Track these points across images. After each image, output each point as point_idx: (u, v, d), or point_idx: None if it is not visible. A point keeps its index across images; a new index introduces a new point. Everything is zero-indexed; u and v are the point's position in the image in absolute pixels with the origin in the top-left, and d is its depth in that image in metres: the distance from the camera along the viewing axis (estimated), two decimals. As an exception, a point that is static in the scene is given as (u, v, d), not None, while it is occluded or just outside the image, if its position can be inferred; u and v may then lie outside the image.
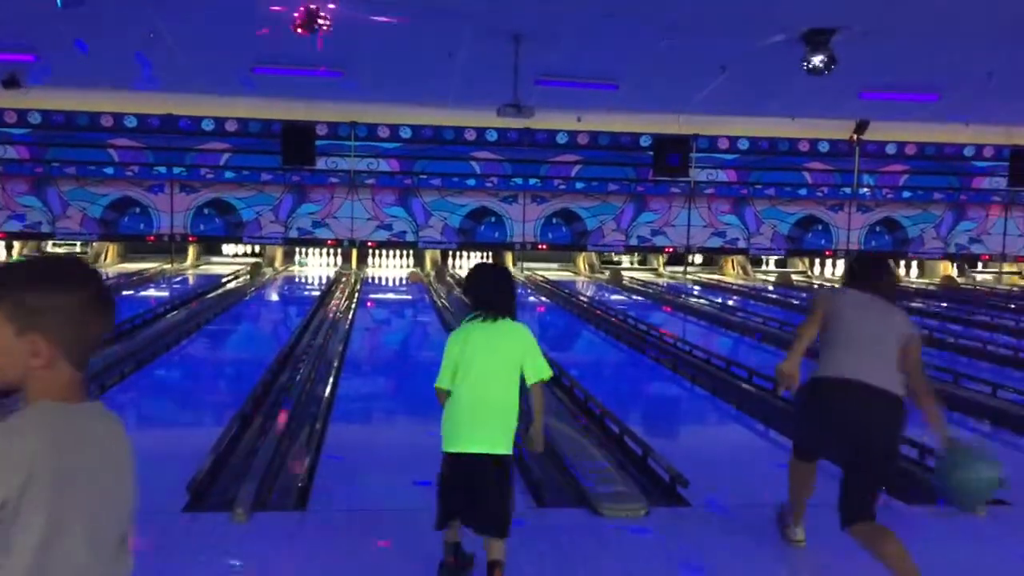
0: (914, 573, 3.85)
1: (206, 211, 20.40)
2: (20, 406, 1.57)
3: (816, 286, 21.32)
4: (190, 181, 20.08)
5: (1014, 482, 5.33)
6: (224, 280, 18.62)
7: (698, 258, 24.57)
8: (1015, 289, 21.67)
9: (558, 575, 4.02)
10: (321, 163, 19.95)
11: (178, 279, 20.01)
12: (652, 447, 6.01)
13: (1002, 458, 6.43)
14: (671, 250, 22.47)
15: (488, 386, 3.65)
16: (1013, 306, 17.09)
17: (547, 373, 3.72)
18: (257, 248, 22.61)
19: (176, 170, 19.76)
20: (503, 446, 3.69)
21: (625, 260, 24.67)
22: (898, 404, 4.22)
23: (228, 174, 19.95)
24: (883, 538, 3.94)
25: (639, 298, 18.61)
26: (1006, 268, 24.19)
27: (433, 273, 21.04)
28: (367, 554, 4.21)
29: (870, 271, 4.53)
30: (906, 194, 21.99)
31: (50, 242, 21.62)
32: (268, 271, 21.33)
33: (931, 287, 21.92)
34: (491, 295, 3.75)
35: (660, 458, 5.77)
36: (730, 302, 17.55)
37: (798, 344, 4.49)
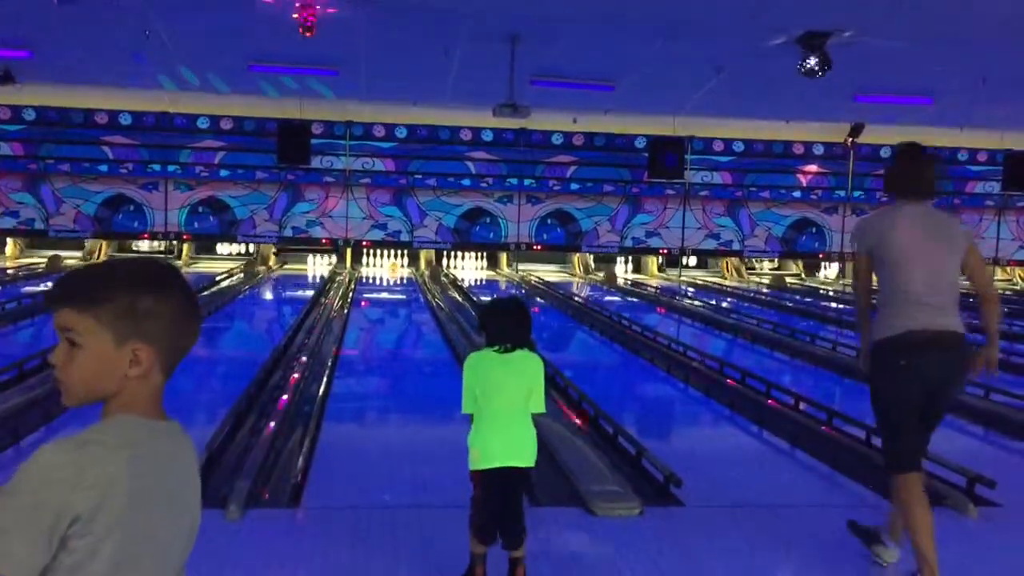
0: (931, 552, 3.79)
1: (200, 209, 20.37)
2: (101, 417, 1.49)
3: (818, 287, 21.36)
4: (185, 179, 20.05)
5: (1006, 484, 5.38)
6: (218, 279, 18.59)
7: (693, 260, 24.61)
8: (1007, 293, 21.73)
9: (552, 574, 4.02)
10: (316, 162, 19.93)
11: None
12: (646, 447, 6.02)
13: (994, 460, 6.49)
14: (666, 252, 22.50)
15: (512, 407, 3.76)
16: (1006, 310, 17.12)
17: (542, 409, 3.84)
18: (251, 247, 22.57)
19: (171, 168, 19.73)
20: (532, 459, 3.83)
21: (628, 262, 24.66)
22: (966, 345, 4.03)
23: (223, 172, 19.93)
24: (922, 502, 3.83)
25: (633, 299, 18.62)
26: (998, 275, 24.24)
27: (427, 273, 21.03)
28: (361, 551, 4.21)
29: (914, 171, 4.02)
30: (900, 197, 22.01)
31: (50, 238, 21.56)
32: (262, 269, 21.29)
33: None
34: (508, 331, 3.82)
35: (654, 458, 5.78)
36: (724, 304, 17.58)
37: (860, 316, 4.27)
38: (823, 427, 6.99)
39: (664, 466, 5.56)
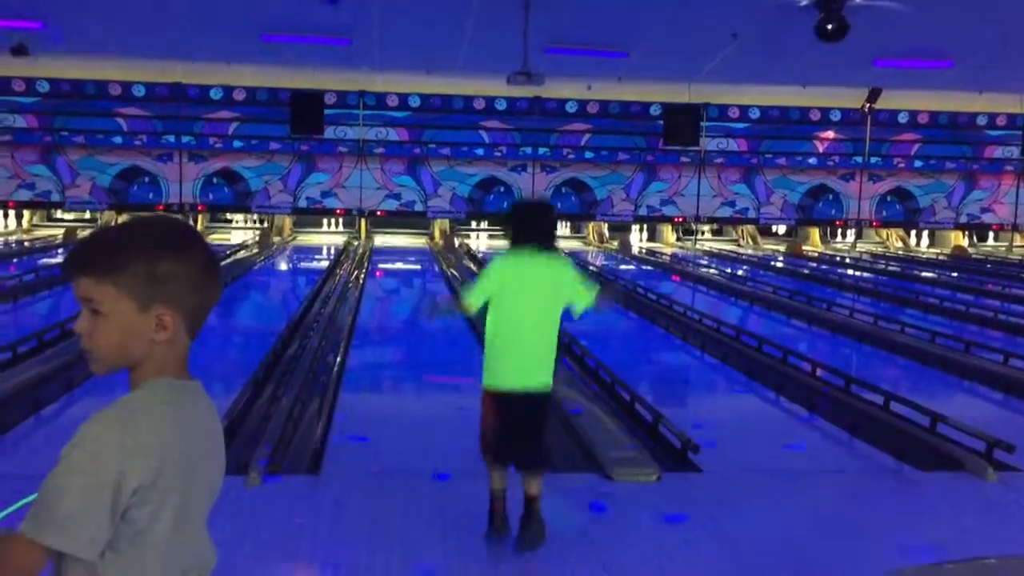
0: None
1: (215, 180, 20.39)
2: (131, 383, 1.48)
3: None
4: (198, 150, 20.05)
5: (1025, 449, 5.34)
6: (231, 251, 18.64)
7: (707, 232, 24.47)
8: (1026, 259, 21.55)
9: (571, 538, 4.04)
10: (330, 132, 19.89)
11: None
12: (663, 414, 6.02)
13: (1014, 425, 6.45)
14: (681, 220, 22.38)
15: (532, 322, 3.66)
16: (1023, 276, 17.01)
17: (595, 290, 3.75)
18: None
19: (184, 139, 19.74)
20: (548, 383, 3.74)
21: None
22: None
23: (236, 143, 19.92)
24: None
25: (648, 268, 18.57)
26: (1017, 240, 24.04)
27: (442, 243, 21.02)
28: (381, 516, 4.24)
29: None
30: (918, 163, 21.84)
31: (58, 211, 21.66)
32: (276, 240, 21.33)
33: (942, 257, 21.82)
34: (536, 229, 3.72)
35: (671, 425, 5.78)
36: (740, 272, 17.51)
37: None
38: (840, 393, 6.96)
39: (681, 432, 5.56)
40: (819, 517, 4.49)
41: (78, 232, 20.26)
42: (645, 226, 23.99)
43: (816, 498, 4.77)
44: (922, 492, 4.94)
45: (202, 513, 1.52)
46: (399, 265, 19.06)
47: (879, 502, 4.72)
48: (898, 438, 5.83)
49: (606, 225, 23.25)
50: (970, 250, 23.10)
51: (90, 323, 1.45)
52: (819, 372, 7.65)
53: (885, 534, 4.24)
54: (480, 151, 20.78)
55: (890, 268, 18.62)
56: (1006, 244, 23.98)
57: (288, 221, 22.85)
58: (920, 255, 22.56)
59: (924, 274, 17.53)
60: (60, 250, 18.01)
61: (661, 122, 20.65)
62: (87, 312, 1.45)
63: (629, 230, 23.41)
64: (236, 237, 22.01)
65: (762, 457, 5.73)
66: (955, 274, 17.57)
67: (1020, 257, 22.13)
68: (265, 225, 22.60)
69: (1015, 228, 22.97)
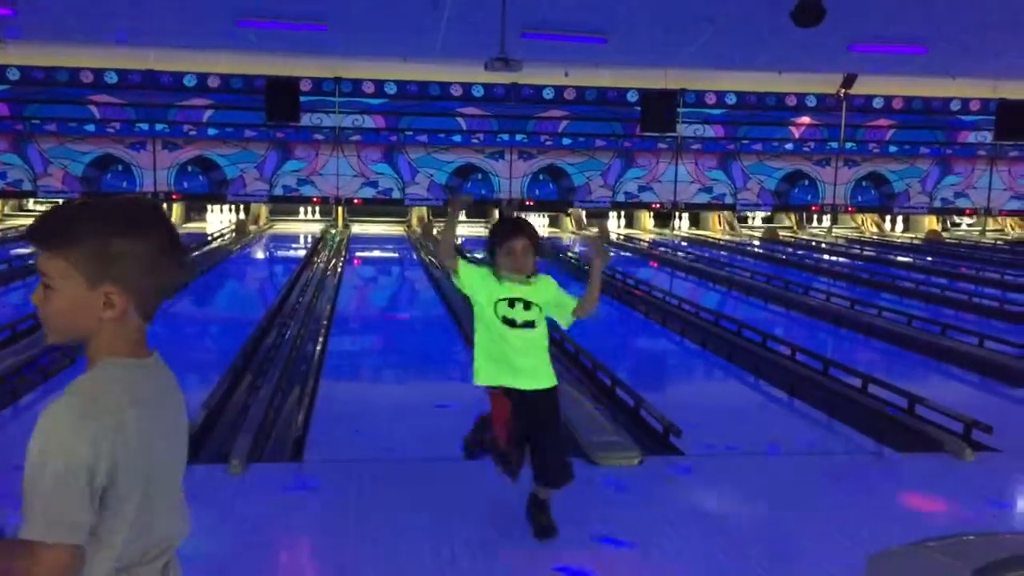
0: None
1: (189, 168, 20.21)
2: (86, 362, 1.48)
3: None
4: (172, 138, 19.86)
5: (1002, 429, 5.41)
6: (209, 238, 18.49)
7: (685, 223, 24.53)
8: (999, 243, 21.79)
9: (554, 523, 4.04)
10: (305, 119, 19.76)
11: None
12: (644, 399, 6.04)
13: (990, 406, 6.53)
14: (658, 206, 22.44)
15: (513, 337, 3.71)
16: (996, 259, 17.19)
17: (574, 302, 3.78)
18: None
19: (158, 127, 19.54)
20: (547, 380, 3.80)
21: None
22: None
23: (211, 131, 19.75)
24: None
25: (627, 254, 18.61)
26: (990, 224, 24.29)
27: (419, 230, 20.95)
28: (363, 502, 4.22)
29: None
30: (892, 148, 22.00)
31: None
32: (253, 228, 21.18)
33: (917, 241, 22.02)
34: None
35: (652, 409, 5.80)
36: (718, 257, 17.57)
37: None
38: (819, 376, 7.01)
39: (662, 416, 5.57)
40: (799, 499, 4.52)
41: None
42: (623, 212, 24.02)
43: (796, 480, 4.80)
44: (901, 473, 4.98)
45: (171, 487, 1.53)
46: (377, 253, 18.98)
47: (859, 483, 4.76)
48: (877, 420, 5.88)
49: (584, 212, 23.26)
50: (944, 234, 23.32)
51: (43, 295, 1.47)
52: (798, 356, 7.70)
53: (865, 515, 4.27)
54: (457, 138, 20.72)
55: (866, 253, 18.76)
56: (979, 228, 24.23)
57: (264, 209, 22.69)
58: (895, 240, 22.75)
59: (899, 258, 17.68)
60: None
61: (638, 108, 20.67)
62: (41, 284, 1.47)
63: (607, 216, 23.42)
64: (212, 225, 21.82)
65: (743, 440, 5.76)
66: (930, 258, 17.73)
67: (993, 241, 22.38)
68: (241, 215, 22.43)
69: (988, 212, 23.22)
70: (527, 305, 3.70)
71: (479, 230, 22.37)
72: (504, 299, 3.68)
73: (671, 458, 5.14)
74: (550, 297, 3.76)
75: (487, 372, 3.75)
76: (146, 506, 1.44)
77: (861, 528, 4.06)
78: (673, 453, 5.25)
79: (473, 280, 3.72)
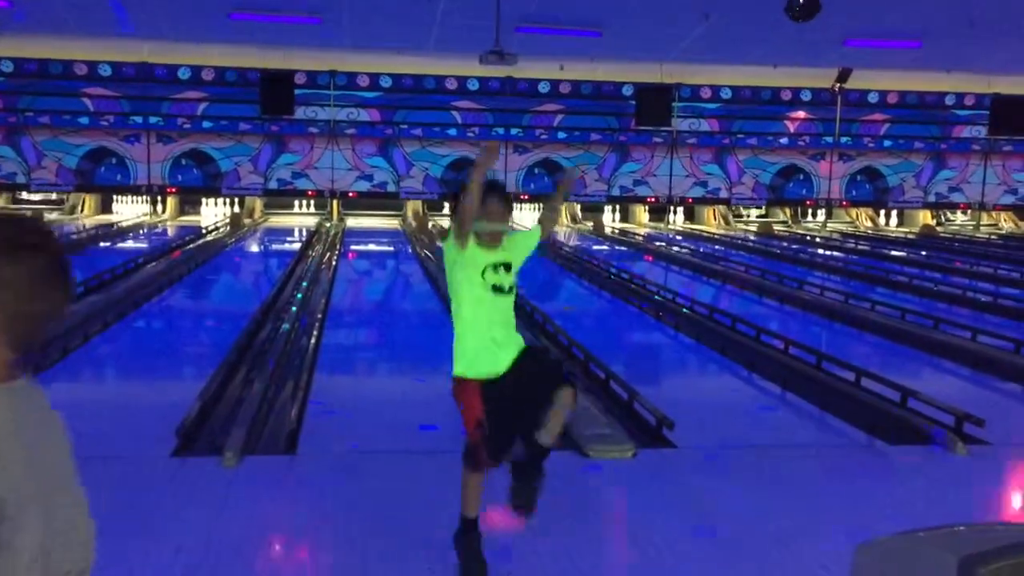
0: None
1: (184, 162, 20.16)
2: None
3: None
4: (167, 131, 19.81)
5: (994, 422, 5.44)
6: (204, 231, 18.47)
7: (680, 217, 24.52)
8: (992, 237, 21.84)
9: (547, 516, 4.05)
10: (300, 112, 19.72)
11: (158, 230, 19.81)
12: (638, 392, 6.05)
13: (982, 400, 6.55)
14: (653, 200, 22.45)
15: (499, 306, 3.48)
16: (990, 254, 17.24)
17: (537, 230, 3.77)
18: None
19: (152, 120, 19.48)
20: (521, 342, 3.56)
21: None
22: None
23: (205, 124, 19.70)
24: None
25: (622, 248, 18.62)
26: (984, 219, 24.35)
27: (415, 224, 20.94)
28: (358, 494, 4.23)
29: None
30: (887, 143, 22.03)
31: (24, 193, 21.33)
32: (248, 221, 21.15)
33: (911, 236, 22.06)
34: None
35: (646, 402, 5.81)
36: (712, 251, 17.59)
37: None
38: (812, 370, 7.03)
39: (656, 409, 5.59)
40: (792, 491, 4.54)
41: (44, 215, 19.97)
42: (618, 206, 24.01)
43: (789, 473, 4.82)
44: (893, 466, 5.01)
45: (69, 506, 1.47)
46: (372, 247, 18.97)
47: (851, 476, 4.78)
48: (869, 413, 5.90)
49: (579, 205, 23.26)
50: (938, 229, 23.37)
51: None
52: (791, 350, 7.72)
53: (857, 507, 4.29)
54: (452, 131, 20.70)
55: (860, 247, 18.79)
56: (973, 223, 24.28)
57: (259, 203, 22.65)
58: (889, 234, 22.79)
59: (893, 253, 17.71)
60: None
61: (633, 102, 20.66)
62: None
63: (602, 210, 23.43)
64: (207, 218, 21.78)
65: (736, 433, 5.78)
66: (924, 253, 17.77)
67: (987, 235, 22.43)
68: (235, 208, 22.39)
69: (982, 207, 23.27)
70: (508, 267, 3.51)
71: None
72: (491, 264, 3.46)
73: (664, 451, 5.16)
74: (520, 245, 3.63)
75: (469, 360, 3.45)
76: (48, 531, 1.38)
77: (853, 520, 4.08)
78: (666, 446, 5.27)
79: (471, 245, 3.45)
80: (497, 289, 3.47)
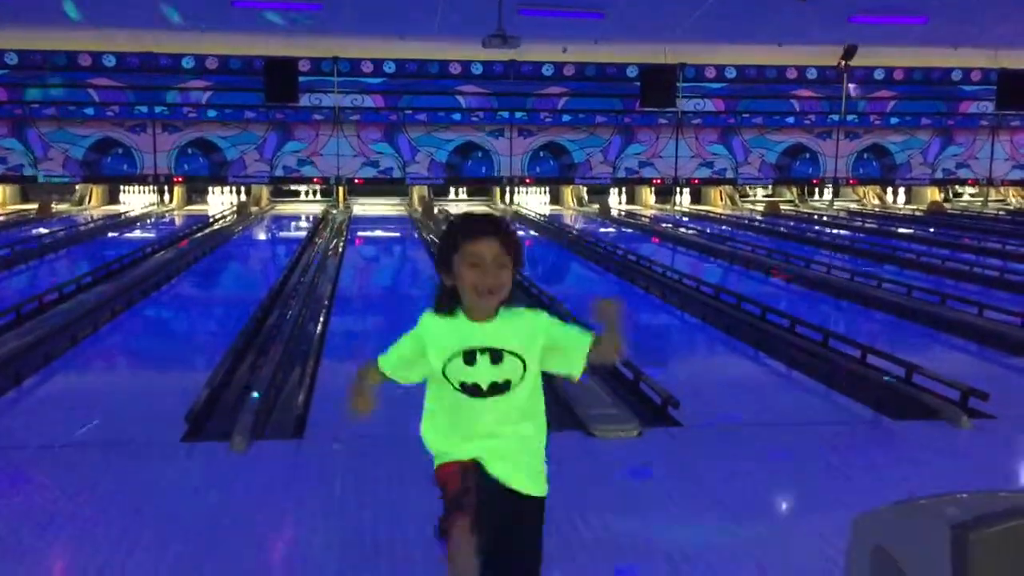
0: None
1: (190, 151, 20.21)
2: None
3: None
4: (172, 120, 19.85)
5: (999, 396, 5.44)
6: (211, 220, 18.52)
7: (687, 199, 24.46)
8: (1000, 213, 21.74)
9: (553, 496, 4.08)
10: (304, 100, 19.74)
11: (165, 220, 19.87)
12: (644, 372, 6.07)
13: (988, 375, 6.56)
14: (659, 182, 22.41)
15: (497, 402, 2.48)
16: (997, 229, 17.17)
17: (588, 337, 2.45)
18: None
19: (157, 109, 19.52)
20: (528, 482, 2.56)
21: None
22: None
23: (211, 112, 19.73)
24: None
25: (628, 230, 18.61)
26: (992, 195, 24.23)
27: (420, 209, 20.95)
28: (367, 478, 4.27)
29: None
30: (894, 120, 21.92)
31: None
32: (255, 210, 21.20)
33: (919, 212, 21.98)
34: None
35: (651, 381, 5.84)
36: (719, 232, 17.57)
37: None
38: (818, 347, 7.04)
39: (662, 389, 5.61)
40: (797, 468, 4.56)
41: (52, 205, 20.06)
42: (623, 189, 23.97)
43: (793, 449, 4.84)
44: (898, 441, 5.03)
45: None
46: (378, 233, 18.99)
47: (856, 452, 4.80)
48: (875, 389, 5.92)
49: (585, 188, 23.23)
50: (946, 205, 23.28)
51: None
52: (797, 328, 7.72)
53: (861, 482, 4.31)
54: (457, 116, 20.68)
55: (867, 225, 18.74)
56: (981, 199, 24.17)
57: (265, 191, 22.69)
58: (897, 211, 22.71)
59: (901, 230, 17.65)
60: (35, 223, 17.82)
61: (638, 84, 20.60)
62: None
63: (608, 193, 23.39)
64: (214, 207, 21.83)
65: (742, 411, 5.80)
66: (932, 229, 17.71)
67: (995, 212, 22.33)
68: (242, 196, 22.43)
69: (990, 182, 23.16)
70: (496, 356, 2.41)
71: (480, 208, 22.37)
72: (459, 353, 2.42)
73: (670, 429, 5.18)
74: (539, 337, 2.45)
75: (436, 440, 2.68)
76: None
77: (858, 496, 4.10)
78: (672, 425, 5.29)
79: (405, 350, 2.58)
80: (471, 391, 2.45)
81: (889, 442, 5.00)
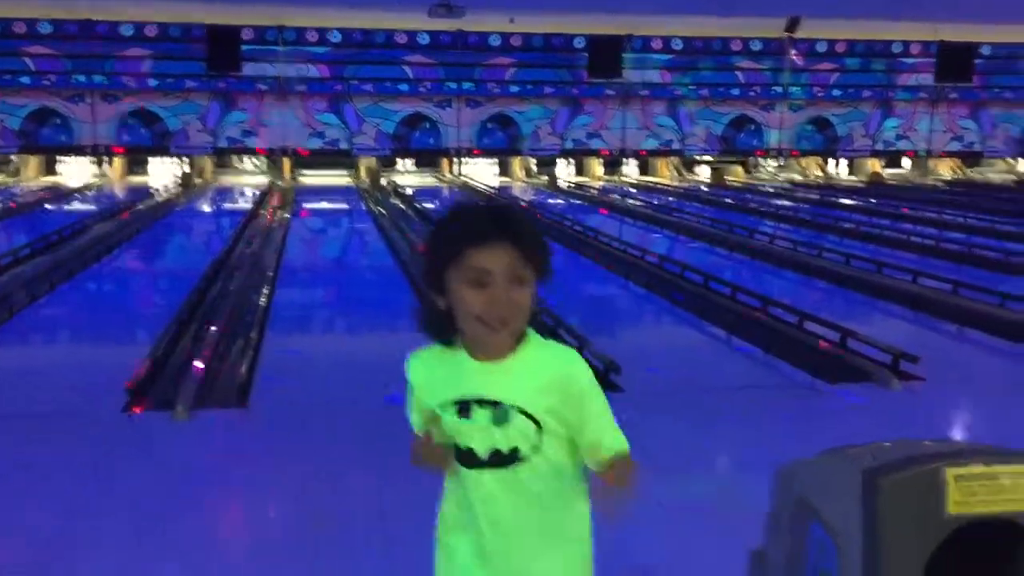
0: None
1: (130, 121, 19.79)
2: None
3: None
4: (112, 90, 19.41)
5: (929, 361, 5.63)
6: (153, 191, 18.20)
7: (634, 170, 24.57)
8: (938, 184, 22.24)
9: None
10: (248, 69, 19.42)
11: (106, 191, 19.47)
12: (586, 338, 6.15)
13: (920, 339, 6.76)
14: (607, 153, 22.51)
15: (502, 475, 1.76)
16: (935, 199, 17.58)
17: (624, 446, 1.82)
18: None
19: (96, 79, 19.06)
20: None
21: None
22: None
23: (151, 82, 19.33)
24: None
25: (576, 201, 18.69)
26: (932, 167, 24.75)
27: (368, 181, 20.81)
28: (311, 446, 4.30)
29: None
30: (836, 92, 22.25)
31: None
32: (198, 181, 20.85)
33: (860, 183, 22.39)
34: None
35: (594, 348, 5.92)
36: (665, 203, 17.73)
37: None
38: (759, 314, 7.19)
39: (604, 355, 5.70)
40: (735, 430, 4.69)
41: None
42: (571, 160, 24.01)
43: (732, 412, 4.96)
44: (833, 403, 5.18)
45: None
46: (325, 204, 18.82)
47: (792, 415, 4.95)
48: (812, 354, 6.08)
49: (533, 160, 23.24)
50: (885, 175, 23.73)
51: None
52: (738, 296, 7.87)
53: (797, 442, 4.43)
54: (404, 87, 20.53)
55: (810, 196, 19.05)
56: (919, 170, 24.68)
57: (209, 162, 22.32)
58: (839, 182, 23.11)
59: (842, 200, 17.98)
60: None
61: (585, 55, 20.62)
62: None
63: (556, 164, 23.41)
64: (155, 178, 21.43)
65: (683, 376, 5.92)
66: (872, 200, 18.06)
67: (933, 181, 22.83)
68: (185, 168, 22.03)
69: (929, 153, 23.65)
70: (500, 413, 1.72)
71: (429, 179, 22.28)
72: (450, 403, 1.77)
73: (611, 395, 5.26)
74: (568, 394, 1.73)
75: (440, 520, 1.91)
76: None
77: (793, 455, 4.22)
78: (613, 390, 5.38)
79: (416, 409, 1.87)
80: (464, 457, 1.77)
81: (823, 404, 5.15)
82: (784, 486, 2.13)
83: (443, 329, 1.77)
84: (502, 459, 1.75)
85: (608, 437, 1.80)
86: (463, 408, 1.75)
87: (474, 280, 1.66)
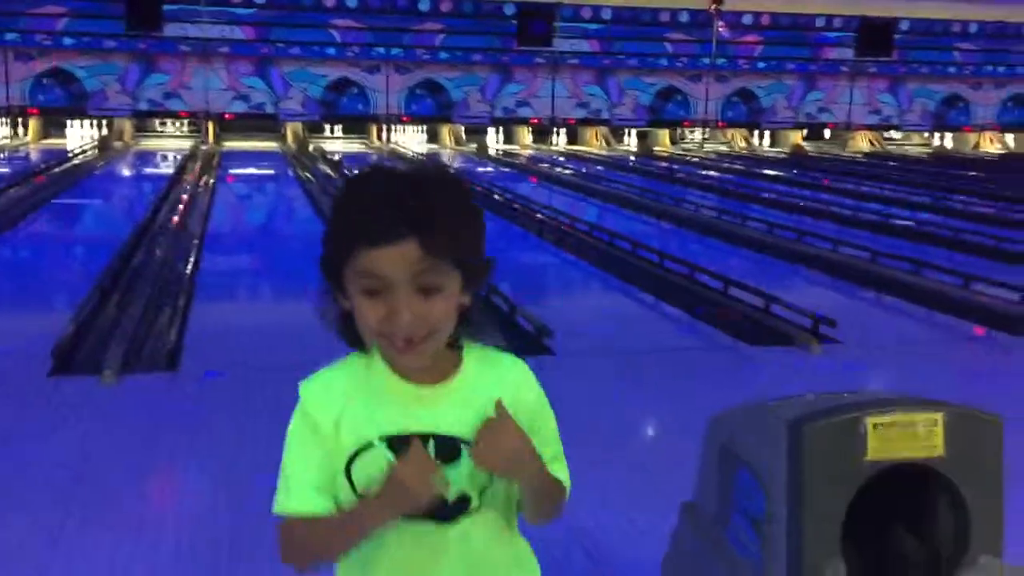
0: None
1: (45, 81, 19.09)
2: None
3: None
4: (25, 48, 18.67)
5: (846, 325, 5.85)
6: (70, 155, 17.64)
7: (563, 140, 24.63)
8: (857, 156, 22.84)
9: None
10: (169, 30, 18.88)
11: (20, 154, 18.80)
12: (518, 304, 6.22)
13: (840, 305, 7.00)
14: (536, 121, 22.53)
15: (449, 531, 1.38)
16: (854, 171, 18.08)
17: (568, 483, 1.57)
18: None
19: (9, 36, 18.32)
20: None
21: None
22: None
23: (67, 41, 18.65)
24: None
25: (506, 169, 18.71)
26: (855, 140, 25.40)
27: (295, 146, 20.48)
28: (241, 411, 4.28)
29: None
30: (761, 64, 22.63)
31: None
32: (118, 144, 20.27)
33: (782, 155, 22.86)
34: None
35: (526, 313, 5.99)
36: (594, 171, 17.87)
37: None
38: (684, 281, 7.37)
39: (535, 319, 5.78)
40: (662, 392, 4.82)
41: None
42: (501, 128, 23.97)
43: (659, 375, 5.10)
44: (756, 365, 5.36)
45: None
46: (251, 170, 18.48)
47: (717, 376, 5.10)
48: (735, 319, 6.26)
49: (463, 128, 23.15)
50: (807, 147, 24.28)
51: None
52: (666, 263, 8.03)
53: (722, 402, 4.58)
54: (332, 51, 20.21)
55: (735, 166, 19.40)
56: (840, 142, 25.31)
57: (129, 125, 21.69)
58: (762, 154, 23.56)
59: (766, 171, 18.36)
60: None
61: (515, 22, 20.56)
62: None
63: (485, 132, 23.36)
64: (72, 141, 20.75)
65: (612, 340, 6.04)
66: (794, 171, 18.48)
67: (852, 154, 23.44)
68: (104, 131, 21.37)
69: (848, 127, 24.26)
70: (448, 449, 1.35)
71: (357, 146, 22.02)
72: (385, 440, 1.34)
73: (543, 358, 5.36)
74: (520, 414, 1.40)
75: None
76: None
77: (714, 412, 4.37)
78: (544, 353, 5.47)
79: (311, 464, 1.39)
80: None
81: (747, 366, 5.32)
82: (714, 435, 2.22)
83: (357, 335, 1.35)
84: (447, 511, 1.34)
85: (558, 466, 1.53)
86: (398, 443, 1.31)
87: (367, 288, 1.27)
